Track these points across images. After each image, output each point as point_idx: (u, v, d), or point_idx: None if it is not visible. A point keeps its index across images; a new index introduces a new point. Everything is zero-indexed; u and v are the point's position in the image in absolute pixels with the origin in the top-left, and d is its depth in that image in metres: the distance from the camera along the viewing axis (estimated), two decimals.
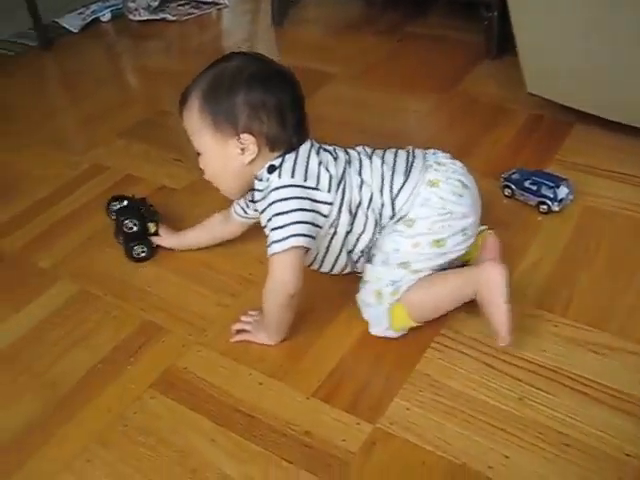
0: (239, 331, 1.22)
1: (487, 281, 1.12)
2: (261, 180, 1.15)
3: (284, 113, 1.13)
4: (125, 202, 1.48)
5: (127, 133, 1.90)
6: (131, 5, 2.63)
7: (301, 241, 1.10)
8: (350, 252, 1.19)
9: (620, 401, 1.06)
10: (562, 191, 1.42)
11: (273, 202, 1.11)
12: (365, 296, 1.19)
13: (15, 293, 1.38)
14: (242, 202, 1.31)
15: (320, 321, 1.22)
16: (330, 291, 1.26)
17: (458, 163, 1.21)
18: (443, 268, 1.18)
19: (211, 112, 1.13)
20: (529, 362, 1.13)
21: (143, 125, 1.94)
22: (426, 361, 1.14)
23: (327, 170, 1.14)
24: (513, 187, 1.47)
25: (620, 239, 1.37)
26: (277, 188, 1.12)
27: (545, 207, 1.42)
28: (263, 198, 1.14)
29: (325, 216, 1.13)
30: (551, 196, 1.41)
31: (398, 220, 1.16)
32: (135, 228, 1.40)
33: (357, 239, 1.17)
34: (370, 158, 1.19)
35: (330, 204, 1.13)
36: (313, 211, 1.12)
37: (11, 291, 1.39)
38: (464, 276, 1.17)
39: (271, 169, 1.14)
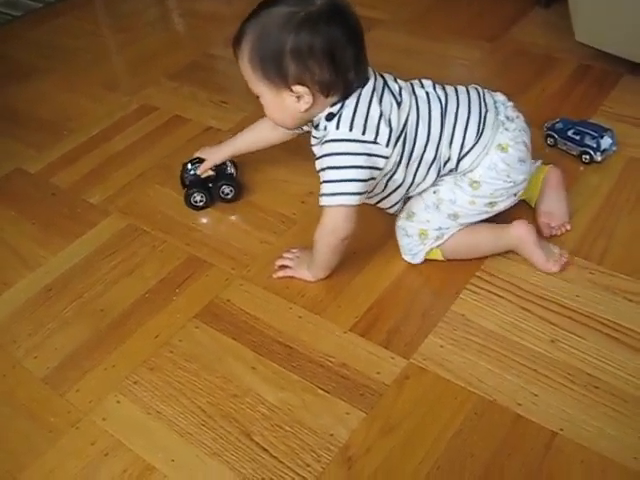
0: (281, 267, 1.26)
1: (518, 240, 1.19)
2: (318, 127, 1.14)
3: (336, 55, 1.07)
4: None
5: (176, 75, 1.93)
6: None
7: (351, 199, 1.11)
8: (407, 193, 1.21)
9: None
10: (605, 141, 1.41)
11: (328, 154, 1.10)
12: (409, 229, 1.21)
13: (66, 227, 1.44)
14: None
15: (360, 260, 1.26)
16: (370, 232, 1.29)
17: (521, 117, 1.20)
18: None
19: (260, 64, 1.09)
20: (563, 307, 1.15)
21: (191, 67, 1.96)
22: (461, 302, 1.17)
23: (388, 124, 1.10)
24: (556, 136, 1.47)
25: None
26: (334, 140, 1.10)
27: (587, 157, 1.42)
28: (319, 144, 1.14)
29: (380, 169, 1.13)
30: (594, 146, 1.41)
31: (462, 175, 1.17)
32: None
33: (417, 185, 1.19)
34: (441, 102, 1.15)
35: (387, 158, 1.12)
36: (369, 167, 1.11)
37: (63, 225, 1.45)
38: (497, 234, 1.22)
39: (329, 117, 1.11)
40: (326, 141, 1.11)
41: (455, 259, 1.23)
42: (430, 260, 1.23)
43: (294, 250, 1.27)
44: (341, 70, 1.08)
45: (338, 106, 1.11)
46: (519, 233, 1.19)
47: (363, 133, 1.10)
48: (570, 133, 1.44)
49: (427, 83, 1.19)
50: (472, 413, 1.01)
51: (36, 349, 1.18)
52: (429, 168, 1.16)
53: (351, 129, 1.10)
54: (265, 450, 0.99)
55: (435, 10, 2.13)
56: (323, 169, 1.11)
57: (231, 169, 1.43)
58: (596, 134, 1.41)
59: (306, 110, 1.12)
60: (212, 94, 1.81)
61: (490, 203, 1.18)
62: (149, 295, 1.25)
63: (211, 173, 1.42)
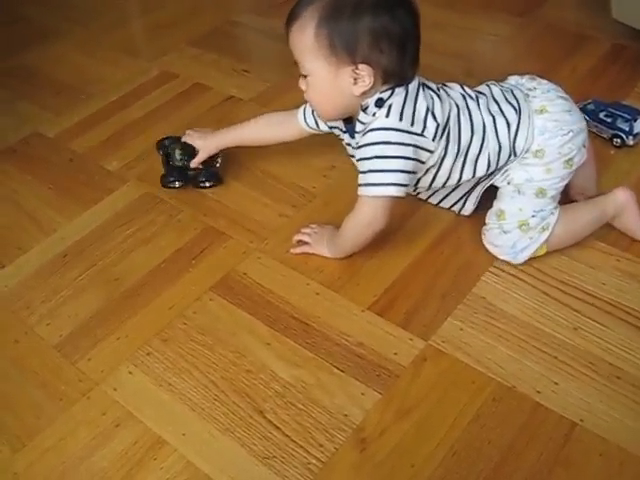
0: (299, 242, 1.24)
1: (625, 204, 1.18)
2: (366, 112, 1.10)
3: (406, 45, 1.06)
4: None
5: (197, 42, 1.89)
6: None
7: (399, 190, 1.09)
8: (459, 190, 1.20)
9: None
10: (638, 125, 1.37)
11: (378, 142, 1.08)
12: (505, 226, 1.16)
13: (83, 193, 1.42)
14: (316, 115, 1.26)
15: (380, 239, 1.21)
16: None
17: (542, 81, 1.19)
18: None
19: (329, 36, 1.04)
20: (587, 294, 1.12)
21: (213, 34, 1.93)
22: (483, 284, 1.15)
23: (434, 118, 1.09)
24: (587, 118, 1.41)
25: None
26: (384, 129, 1.08)
27: (619, 140, 1.38)
28: (365, 132, 1.10)
29: (423, 162, 1.11)
30: (626, 129, 1.37)
31: (524, 154, 1.14)
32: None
33: (468, 181, 1.17)
34: (472, 98, 1.15)
35: (431, 152, 1.11)
36: (415, 159, 1.09)
37: (79, 191, 1.43)
38: (601, 206, 1.19)
39: (379, 102, 1.09)
40: (373, 129, 1.08)
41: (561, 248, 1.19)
42: (451, 241, 1.20)
43: (313, 226, 1.25)
44: (405, 60, 1.07)
45: (388, 93, 1.08)
46: (626, 197, 1.18)
47: (412, 124, 1.08)
48: (602, 115, 1.40)
49: (454, 85, 1.18)
50: (490, 399, 0.98)
51: (49, 316, 1.17)
52: (476, 162, 1.14)
53: (401, 119, 1.08)
54: (277, 428, 0.97)
55: None
56: (368, 158, 1.08)
57: (218, 163, 1.39)
58: (629, 117, 1.37)
59: (360, 94, 1.08)
60: (234, 62, 1.78)
61: (566, 162, 1.14)
62: (164, 265, 1.24)
63: (199, 166, 1.38)
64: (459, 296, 1.13)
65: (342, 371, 1.04)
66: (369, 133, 1.09)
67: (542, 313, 1.10)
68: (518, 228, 1.15)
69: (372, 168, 1.09)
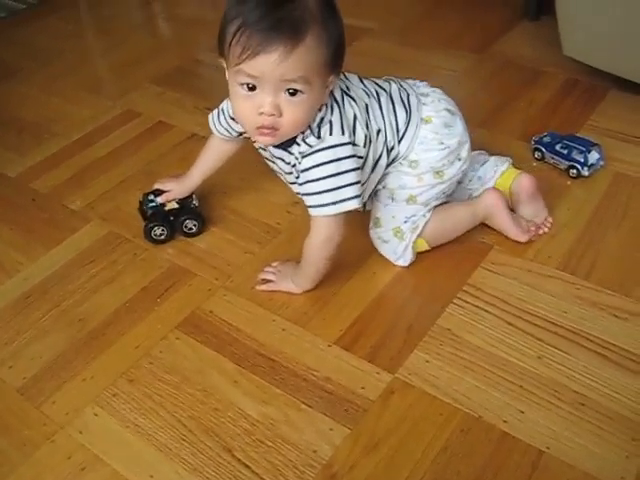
0: (264, 280, 1.24)
1: (492, 206, 1.25)
2: (313, 133, 1.07)
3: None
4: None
5: (160, 80, 1.90)
6: None
7: (355, 203, 1.09)
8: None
9: (637, 365, 1.06)
10: (593, 156, 1.41)
11: (328, 161, 1.07)
12: (383, 234, 1.23)
13: (46, 233, 1.41)
14: (222, 121, 1.27)
15: (345, 272, 1.24)
16: (355, 244, 1.27)
17: (437, 90, 1.23)
18: (445, 194, 1.24)
19: (337, 45, 1.02)
20: (550, 322, 1.14)
21: (176, 73, 1.94)
22: (447, 316, 1.16)
23: (361, 126, 1.11)
24: (544, 150, 1.46)
25: None
26: (331, 146, 1.07)
27: (575, 171, 1.42)
28: (309, 153, 1.07)
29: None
30: (581, 160, 1.40)
31: (402, 160, 1.18)
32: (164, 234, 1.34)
33: (377, 181, 1.20)
34: (377, 98, 1.15)
35: (362, 158, 1.12)
36: (360, 168, 1.10)
37: (42, 231, 1.41)
38: (471, 207, 1.27)
39: (321, 122, 1.07)
40: (319, 150, 1.07)
41: (441, 244, 1.26)
42: (415, 273, 1.22)
43: (274, 264, 1.25)
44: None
45: (324, 109, 1.08)
46: (492, 199, 1.25)
47: (350, 135, 1.09)
48: (558, 147, 1.44)
49: (354, 77, 1.18)
50: (458, 430, 0.99)
51: (12, 358, 1.15)
52: (385, 161, 1.17)
53: (343, 132, 1.08)
54: (246, 466, 0.96)
55: (423, 20, 2.13)
56: (320, 178, 1.07)
57: (195, 202, 1.36)
58: (584, 149, 1.41)
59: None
60: (197, 100, 1.79)
61: (437, 173, 1.19)
62: (130, 305, 1.23)
63: (175, 205, 1.35)
64: (424, 328, 1.14)
65: (310, 407, 1.04)
66: (316, 154, 1.07)
67: (507, 343, 1.11)
68: (394, 236, 1.21)
69: (326, 188, 1.08)
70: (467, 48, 1.94)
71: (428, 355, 1.10)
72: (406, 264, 1.24)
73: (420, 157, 1.17)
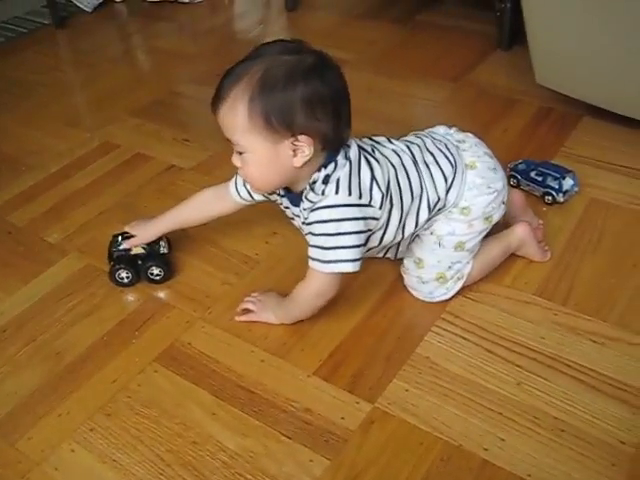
0: (244, 311, 1.23)
1: (524, 240, 1.28)
2: (314, 190, 1.07)
3: (340, 108, 1.05)
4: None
5: (138, 112, 1.91)
6: None
7: (350, 267, 1.08)
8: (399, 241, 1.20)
9: (616, 390, 1.07)
10: (567, 183, 1.43)
11: (330, 220, 1.06)
12: (424, 276, 1.21)
13: (23, 266, 1.39)
14: (247, 185, 1.22)
15: None
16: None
17: (469, 135, 1.24)
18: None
19: (263, 112, 1.01)
20: (528, 349, 1.14)
21: (154, 105, 1.95)
22: (426, 344, 1.16)
23: (379, 187, 1.09)
24: (519, 177, 1.48)
25: (623, 232, 1.37)
26: (335, 206, 1.06)
27: (550, 198, 1.43)
28: (314, 209, 1.08)
29: (371, 230, 1.11)
30: (556, 187, 1.42)
31: (452, 207, 1.17)
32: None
33: (410, 233, 1.18)
34: (411, 155, 1.15)
35: (378, 219, 1.11)
36: (367, 231, 1.09)
37: (19, 264, 1.40)
38: (506, 242, 1.27)
39: (326, 179, 1.06)
40: (322, 207, 1.06)
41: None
42: (393, 302, 1.23)
43: (255, 294, 1.25)
44: (341, 124, 1.06)
45: (332, 167, 1.06)
46: (524, 232, 1.27)
47: (360, 197, 1.07)
48: (533, 174, 1.46)
49: (383, 139, 1.18)
50: (438, 459, 0.99)
51: None
52: (417, 216, 1.15)
53: (350, 193, 1.06)
54: None
55: (399, 50, 2.16)
56: (320, 234, 1.07)
57: (164, 248, 1.33)
58: (558, 175, 1.43)
59: (301, 166, 1.05)
60: (175, 132, 1.80)
61: (486, 219, 1.19)
62: (107, 338, 1.22)
63: (141, 251, 1.31)
64: (403, 357, 1.14)
65: (290, 438, 1.03)
66: (320, 210, 1.07)
67: (485, 370, 1.11)
68: (436, 280, 1.20)
69: (325, 245, 1.07)
70: (442, 77, 1.97)
71: (407, 384, 1.10)
72: (432, 301, 1.23)
73: (471, 203, 1.17)
